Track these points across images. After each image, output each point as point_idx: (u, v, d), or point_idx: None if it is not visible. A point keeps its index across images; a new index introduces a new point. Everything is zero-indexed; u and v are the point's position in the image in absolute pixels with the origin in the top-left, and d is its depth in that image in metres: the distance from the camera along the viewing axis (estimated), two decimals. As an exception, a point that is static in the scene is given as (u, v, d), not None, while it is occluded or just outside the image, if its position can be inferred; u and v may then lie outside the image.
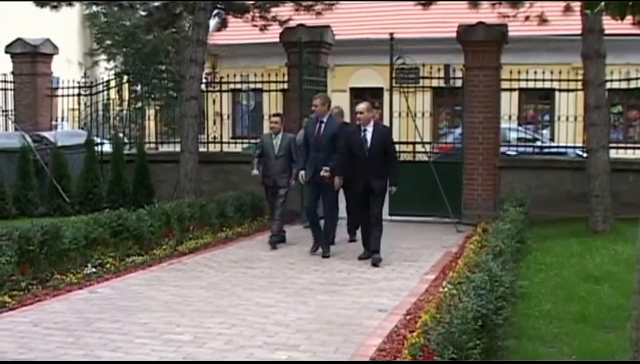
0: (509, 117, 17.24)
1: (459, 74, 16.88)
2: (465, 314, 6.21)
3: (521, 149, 18.54)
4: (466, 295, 6.79)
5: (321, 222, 12.64)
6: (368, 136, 11.80)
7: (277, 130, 13.33)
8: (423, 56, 17.78)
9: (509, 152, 18.08)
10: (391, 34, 16.67)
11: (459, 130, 18.31)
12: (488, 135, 16.15)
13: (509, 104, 16.73)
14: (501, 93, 16.37)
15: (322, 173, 12.07)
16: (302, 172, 12.68)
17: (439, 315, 6.79)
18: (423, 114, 16.90)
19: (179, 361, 6.82)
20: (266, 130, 15.02)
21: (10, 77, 20.02)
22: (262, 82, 18.03)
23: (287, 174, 13.16)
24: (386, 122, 17.19)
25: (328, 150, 12.25)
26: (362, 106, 12.07)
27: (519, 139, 20.03)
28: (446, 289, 8.40)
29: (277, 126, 13.35)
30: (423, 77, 17.03)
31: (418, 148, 17.16)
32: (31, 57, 19.95)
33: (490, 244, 10.04)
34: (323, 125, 12.56)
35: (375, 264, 11.34)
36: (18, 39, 20.05)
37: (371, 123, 11.95)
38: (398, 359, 6.69)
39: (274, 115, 13.80)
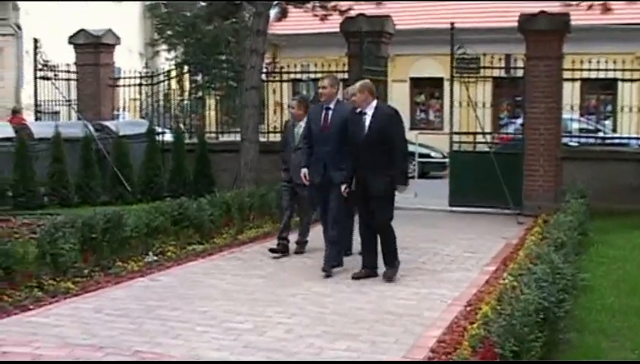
0: (571, 108, 17.05)
1: (520, 64, 16.70)
2: (526, 306, 6.15)
3: (583, 140, 18.32)
4: (528, 287, 6.72)
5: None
6: (367, 121, 9.76)
7: (297, 117, 11.36)
8: (484, 46, 17.72)
9: (570, 143, 17.87)
10: (452, 23, 16.57)
11: (520, 121, 18.15)
12: (550, 125, 15.97)
13: (570, 94, 16.54)
14: (563, 83, 16.17)
15: (343, 190, 9.96)
16: (304, 170, 10.54)
17: (500, 307, 6.75)
18: (484, 105, 16.77)
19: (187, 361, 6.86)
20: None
21: (73, 68, 20.28)
22: (322, 72, 17.96)
23: None
24: (446, 112, 17.08)
25: (337, 143, 10.15)
26: (355, 87, 10.11)
27: (580, 129, 19.81)
28: (506, 280, 8.35)
29: (295, 112, 11.44)
30: (484, 67, 16.92)
31: (479, 138, 17.03)
32: (94, 47, 20.19)
33: (551, 236, 9.93)
34: (331, 112, 10.34)
35: (390, 278, 9.65)
36: (81, 30, 20.30)
37: (373, 105, 9.83)
38: (458, 350, 6.66)
39: (293, 99, 12.39)
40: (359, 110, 9.88)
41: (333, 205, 10.23)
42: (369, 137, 9.68)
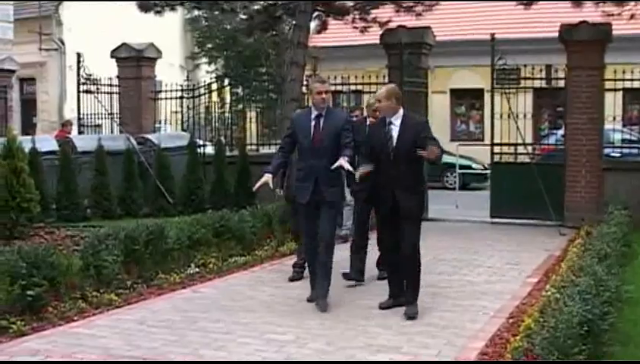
0: (613, 118, 16.89)
1: (561, 75, 16.60)
2: (570, 318, 6.11)
3: (625, 151, 18.15)
4: (571, 299, 6.67)
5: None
6: (394, 131, 8.70)
7: None
8: (524, 56, 17.58)
9: (612, 154, 17.71)
10: (492, 35, 16.54)
11: (561, 132, 18.03)
12: (592, 136, 15.84)
13: (612, 104, 16.40)
14: (605, 93, 16.04)
15: (359, 173, 8.76)
16: (268, 176, 9.25)
17: (543, 319, 6.71)
18: (525, 116, 16.67)
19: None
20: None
21: (115, 81, 20.48)
22: (362, 83, 18.05)
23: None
24: (487, 124, 17.01)
25: (332, 156, 8.88)
26: (381, 92, 9.06)
27: (622, 140, 19.63)
28: (549, 293, 8.29)
29: None
30: (524, 78, 16.83)
31: (520, 149, 16.93)
32: (135, 61, 20.41)
33: (594, 247, 9.84)
34: (322, 120, 9.13)
35: (411, 317, 8.44)
36: (123, 44, 20.55)
37: (400, 113, 8.74)
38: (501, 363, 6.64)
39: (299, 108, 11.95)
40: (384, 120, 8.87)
41: (325, 227, 9.08)
42: (399, 150, 8.60)
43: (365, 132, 9.70)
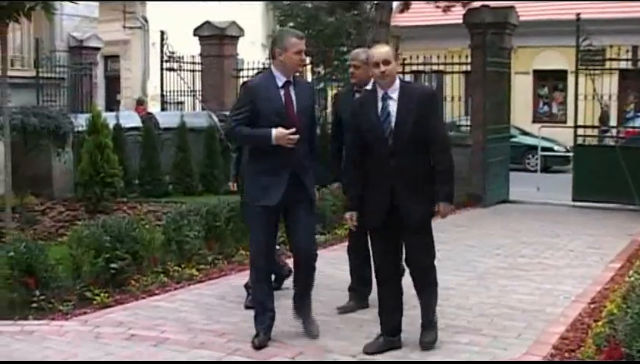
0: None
1: (648, 56, 16.30)
2: (655, 305, 6.00)
3: None
4: (656, 285, 6.56)
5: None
6: (392, 107, 6.32)
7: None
8: (610, 37, 17.29)
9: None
10: (577, 14, 16.24)
11: (647, 114, 17.71)
12: (679, 119, 15.51)
13: (702, 86, 16.05)
14: (694, 76, 15.70)
15: (351, 222, 6.71)
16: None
17: (626, 305, 6.59)
18: (610, 97, 16.37)
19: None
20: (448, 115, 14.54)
21: (198, 59, 20.67)
22: (445, 63, 17.87)
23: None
24: (570, 105, 16.75)
25: (307, 136, 6.88)
26: (386, 50, 6.44)
27: None
28: (632, 278, 8.15)
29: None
30: (610, 59, 16.51)
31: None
32: (218, 39, 20.55)
33: (680, 233, 9.66)
34: (293, 91, 6.74)
35: (428, 346, 6.63)
36: (206, 22, 20.68)
37: (397, 84, 6.40)
38: (582, 348, 6.56)
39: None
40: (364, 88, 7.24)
41: (305, 236, 6.98)
42: (399, 133, 6.29)
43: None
